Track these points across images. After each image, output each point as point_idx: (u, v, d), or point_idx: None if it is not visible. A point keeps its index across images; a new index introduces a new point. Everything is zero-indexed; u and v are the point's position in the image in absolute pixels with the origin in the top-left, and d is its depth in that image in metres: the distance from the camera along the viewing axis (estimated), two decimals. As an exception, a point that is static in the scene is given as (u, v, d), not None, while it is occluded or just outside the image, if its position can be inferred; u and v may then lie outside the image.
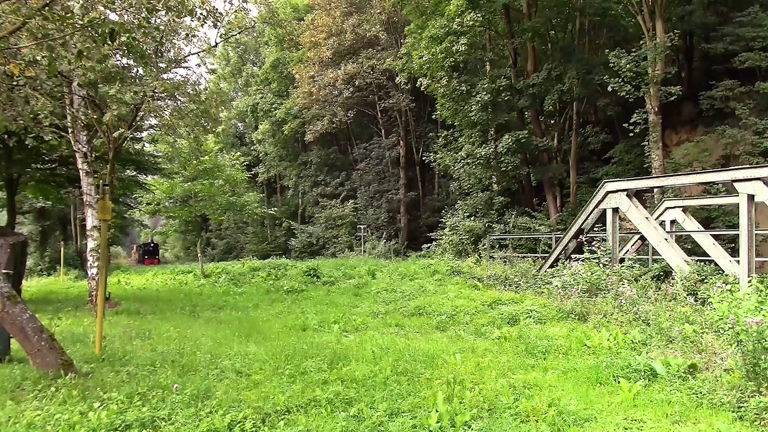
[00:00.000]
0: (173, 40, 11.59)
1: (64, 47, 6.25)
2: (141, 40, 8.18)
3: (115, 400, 4.71)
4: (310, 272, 17.39)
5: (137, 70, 11.33)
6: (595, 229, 12.43)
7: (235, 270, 21.02)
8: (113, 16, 8.17)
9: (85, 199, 12.44)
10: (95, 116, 11.16)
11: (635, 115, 17.40)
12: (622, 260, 11.50)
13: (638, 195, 11.81)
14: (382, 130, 36.13)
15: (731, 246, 13.30)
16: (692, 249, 13.22)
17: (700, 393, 4.76)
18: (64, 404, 4.69)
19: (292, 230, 39.48)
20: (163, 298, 14.72)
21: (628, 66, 16.92)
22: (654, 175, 15.86)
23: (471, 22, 21.23)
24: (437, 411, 4.33)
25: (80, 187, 12.83)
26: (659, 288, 9.22)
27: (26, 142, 11.02)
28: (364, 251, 29.12)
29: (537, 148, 22.37)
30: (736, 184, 9.15)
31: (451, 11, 21.75)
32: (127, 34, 7.22)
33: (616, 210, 11.20)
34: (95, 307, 9.86)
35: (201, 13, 10.93)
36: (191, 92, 11.65)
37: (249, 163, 40.10)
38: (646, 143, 17.72)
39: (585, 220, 12.23)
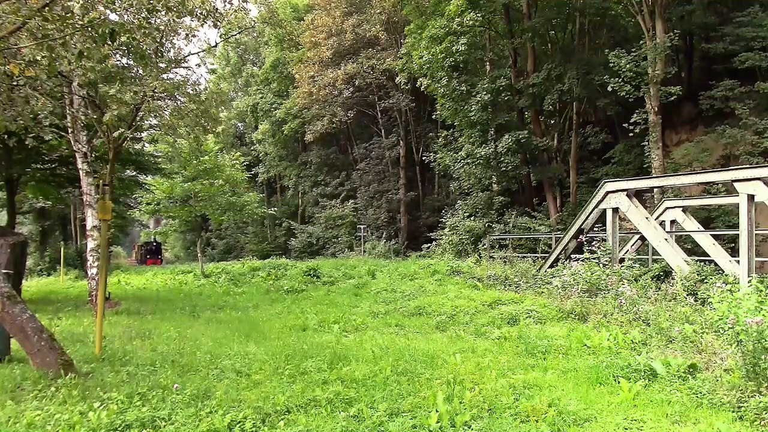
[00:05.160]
0: (173, 40, 11.57)
1: (64, 47, 6.24)
2: (141, 40, 8.16)
3: (115, 400, 4.71)
4: (310, 272, 17.40)
5: (137, 70, 11.32)
6: (595, 229, 12.43)
7: (235, 270, 21.03)
8: (113, 17, 8.17)
9: (85, 199, 12.44)
10: (95, 116, 11.15)
11: (635, 115, 17.39)
12: (622, 260, 11.49)
13: (638, 195, 11.81)
14: (382, 130, 36.13)
15: (731, 246, 13.29)
16: (692, 249, 13.21)
17: (700, 393, 4.76)
18: (64, 404, 4.69)
19: (292, 230, 39.48)
20: (163, 298, 14.72)
21: (628, 66, 16.91)
22: (654, 175, 15.86)
23: (471, 22, 21.22)
24: (437, 411, 4.34)
25: (80, 187, 12.82)
26: (659, 288, 9.22)
27: (26, 142, 11.01)
28: (364, 251, 29.11)
29: (537, 148, 22.37)
30: (736, 184, 9.14)
31: (451, 11, 21.73)
32: (127, 34, 7.22)
33: (616, 210, 11.20)
34: (95, 307, 9.86)
35: (201, 13, 10.92)
36: (191, 92, 11.62)
37: (249, 163, 40.09)
38: (646, 143, 17.72)
39: (585, 220, 12.23)
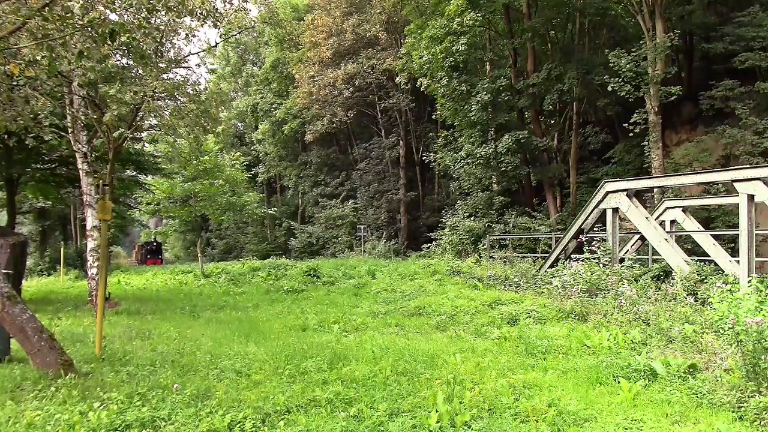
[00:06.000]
0: (173, 40, 11.57)
1: (64, 47, 6.24)
2: (141, 40, 8.16)
3: (115, 400, 4.71)
4: (310, 272, 17.39)
5: (137, 70, 11.32)
6: (595, 229, 12.43)
7: (235, 270, 21.02)
8: (113, 16, 8.17)
9: (85, 199, 12.44)
10: (95, 116, 11.15)
11: (635, 115, 17.40)
12: (622, 260, 11.49)
13: (638, 195, 11.81)
14: (382, 130, 36.14)
15: (731, 246, 13.29)
16: (692, 249, 13.21)
17: (700, 393, 4.76)
18: (64, 404, 4.69)
19: (292, 230, 39.49)
20: (163, 298, 14.72)
21: (628, 66, 16.92)
22: (654, 175, 15.86)
23: (471, 22, 21.23)
24: (437, 411, 4.33)
25: (80, 187, 12.82)
26: (659, 288, 9.22)
27: (26, 142, 11.03)
28: (364, 251, 29.12)
29: (537, 148, 22.37)
30: (736, 184, 9.14)
31: (451, 11, 21.74)
32: (127, 34, 7.21)
33: (616, 210, 11.20)
34: (95, 307, 9.86)
35: (201, 13, 10.92)
36: (191, 92, 11.63)
37: (249, 163, 40.13)
38: (646, 143, 17.73)
39: (585, 220, 12.23)
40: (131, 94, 9.66)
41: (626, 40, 21.06)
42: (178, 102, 11.66)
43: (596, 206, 11.68)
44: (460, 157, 23.71)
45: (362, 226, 30.74)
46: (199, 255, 25.40)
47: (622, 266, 10.68)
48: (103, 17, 6.44)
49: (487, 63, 25.67)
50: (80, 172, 12.32)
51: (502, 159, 21.85)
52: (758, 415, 4.20)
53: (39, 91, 7.96)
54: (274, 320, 10.01)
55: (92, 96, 11.21)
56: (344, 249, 32.26)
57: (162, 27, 10.20)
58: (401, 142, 34.81)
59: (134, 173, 21.95)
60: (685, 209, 13.11)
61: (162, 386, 5.16)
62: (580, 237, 12.13)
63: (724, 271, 9.66)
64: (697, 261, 10.61)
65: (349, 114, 34.05)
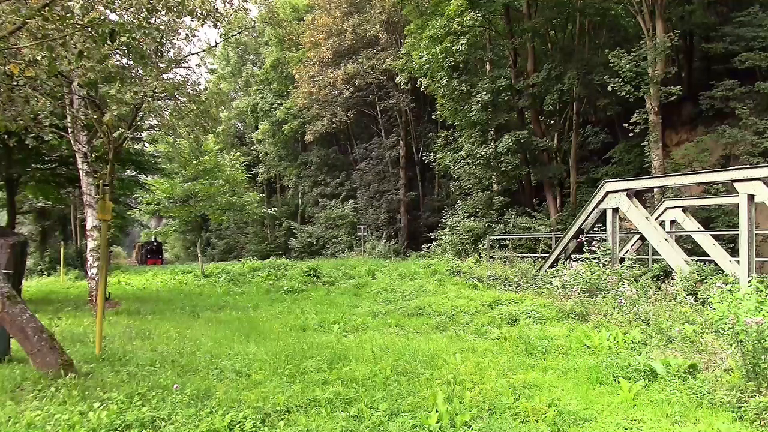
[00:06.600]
0: (173, 40, 11.58)
1: (64, 47, 6.24)
2: (141, 40, 8.16)
3: (115, 400, 4.71)
4: (310, 272, 17.38)
5: (137, 70, 11.32)
6: (595, 229, 12.43)
7: (235, 270, 21.01)
8: (113, 16, 8.17)
9: (85, 199, 12.44)
10: (95, 116, 11.15)
11: (635, 115, 17.41)
12: (622, 260, 11.49)
13: (638, 195, 11.81)
14: (382, 130, 36.14)
15: (731, 246, 13.29)
16: (692, 249, 13.21)
17: (700, 393, 4.76)
18: (64, 404, 4.69)
19: (292, 230, 39.50)
20: (163, 298, 14.71)
21: (628, 66, 16.93)
22: (654, 175, 15.86)
23: (471, 22, 21.23)
24: (437, 411, 4.33)
25: (80, 187, 12.83)
26: (659, 288, 9.22)
27: (26, 142, 11.04)
28: (364, 251, 29.11)
29: (537, 148, 22.38)
30: (736, 184, 9.15)
31: (451, 11, 21.75)
32: (127, 34, 7.21)
33: (616, 210, 11.20)
34: (95, 307, 9.86)
35: (201, 13, 10.92)
36: (191, 92, 11.63)
37: (249, 163, 40.13)
38: (646, 143, 17.73)
39: (585, 220, 12.23)
40: (131, 94, 9.66)
41: (626, 40, 21.06)
42: (178, 102, 11.66)
43: (596, 206, 11.68)
44: (460, 157, 23.72)
45: (362, 226, 30.73)
46: (199, 255, 25.41)
47: (622, 266, 10.68)
48: (103, 17, 6.44)
49: (487, 63, 25.66)
50: (80, 172, 12.32)
51: (502, 159, 21.85)
52: (758, 415, 4.20)
53: (39, 91, 7.97)
54: (274, 320, 10.00)
55: (92, 96, 11.21)
56: (344, 249, 32.25)
57: (162, 27, 10.18)
58: (401, 142, 34.82)
59: (134, 173, 21.98)
60: (685, 209, 13.11)
61: (162, 386, 5.16)
62: (580, 237, 12.13)
63: (724, 271, 9.66)
64: (697, 261, 10.61)
65: (349, 114, 34.06)
